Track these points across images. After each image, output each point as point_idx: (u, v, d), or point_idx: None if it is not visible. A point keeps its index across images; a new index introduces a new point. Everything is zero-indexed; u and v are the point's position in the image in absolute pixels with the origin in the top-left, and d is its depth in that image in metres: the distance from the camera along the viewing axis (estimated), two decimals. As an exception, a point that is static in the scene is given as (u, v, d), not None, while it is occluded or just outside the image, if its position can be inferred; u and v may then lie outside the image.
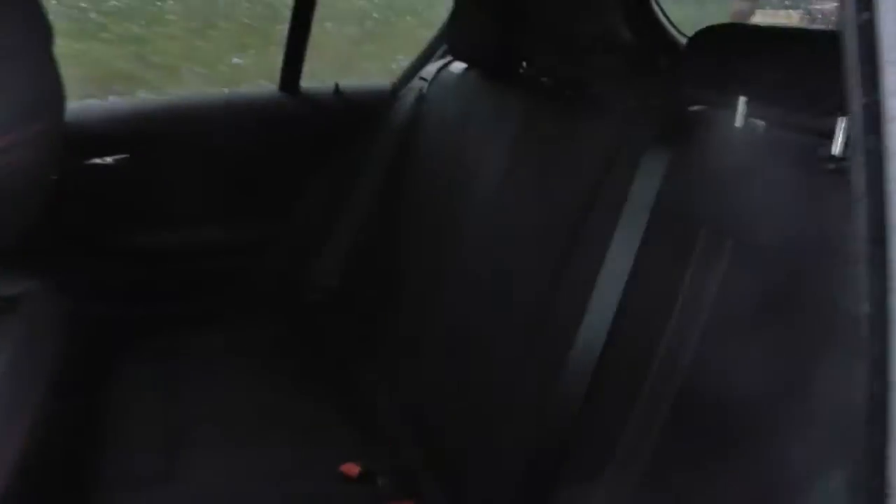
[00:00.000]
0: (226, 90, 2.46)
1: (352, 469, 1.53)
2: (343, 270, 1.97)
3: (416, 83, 2.05)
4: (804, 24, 3.44)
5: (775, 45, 0.98)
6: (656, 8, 1.84)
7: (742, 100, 1.05)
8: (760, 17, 3.55)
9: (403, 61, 2.33)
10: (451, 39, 1.92)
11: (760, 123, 1.07)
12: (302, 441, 1.62)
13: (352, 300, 1.98)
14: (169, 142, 2.02)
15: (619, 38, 1.78)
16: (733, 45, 1.04)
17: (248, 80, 4.41)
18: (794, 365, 0.87)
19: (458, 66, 1.93)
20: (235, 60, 4.51)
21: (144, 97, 2.28)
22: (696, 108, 1.22)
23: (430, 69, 2.04)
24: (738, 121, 1.06)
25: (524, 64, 1.70)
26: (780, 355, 0.88)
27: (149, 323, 1.96)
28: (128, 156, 1.95)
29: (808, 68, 0.91)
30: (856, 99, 0.57)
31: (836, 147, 0.91)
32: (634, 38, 1.85)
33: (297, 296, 2.01)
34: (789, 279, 0.90)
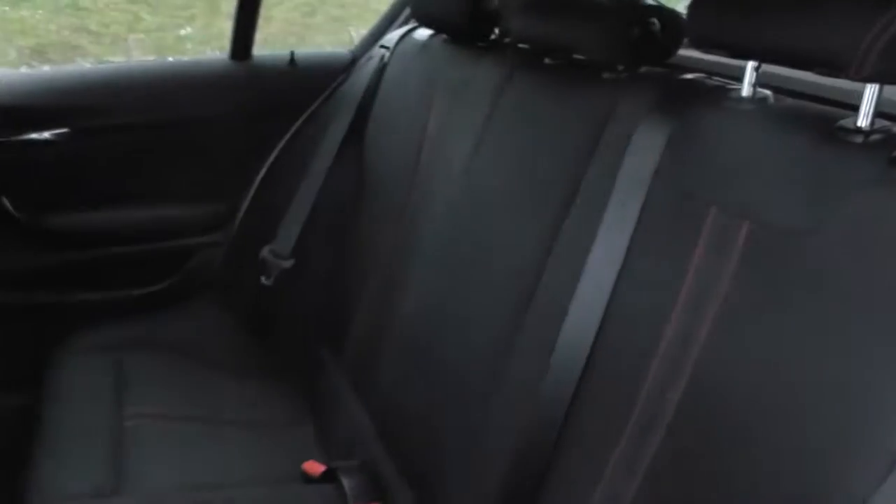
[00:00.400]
0: (171, 58, 2.30)
1: (315, 468, 1.45)
2: (300, 251, 1.85)
3: (377, 51, 1.93)
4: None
5: (791, 3, 0.87)
6: None
7: (750, 65, 0.96)
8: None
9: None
10: (414, 3, 1.80)
11: (769, 93, 0.98)
12: (261, 440, 1.53)
13: (309, 284, 1.87)
14: (112, 114, 1.87)
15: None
16: (743, 4, 0.93)
17: (196, 52, 4.26)
18: (816, 366, 0.77)
19: (423, 33, 1.81)
20: (183, 31, 4.36)
21: (85, 66, 2.13)
22: (696, 75, 1.12)
23: (392, 36, 1.92)
24: (746, 89, 0.97)
25: (496, 30, 1.59)
26: (801, 355, 0.79)
27: (89, 312, 1.84)
28: (67, 130, 1.81)
29: (830, 29, 0.80)
30: None
31: (864, 118, 0.82)
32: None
33: (252, 279, 1.89)
34: (814, 270, 0.80)
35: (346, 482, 1.39)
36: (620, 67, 1.20)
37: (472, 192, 1.39)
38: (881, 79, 0.79)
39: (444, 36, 1.71)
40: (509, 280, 1.22)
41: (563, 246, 1.13)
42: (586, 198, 1.12)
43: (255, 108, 2.00)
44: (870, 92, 0.82)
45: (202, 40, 4.30)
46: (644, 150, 1.03)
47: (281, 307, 1.89)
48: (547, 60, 1.37)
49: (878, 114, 0.83)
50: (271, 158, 2.01)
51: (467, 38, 1.62)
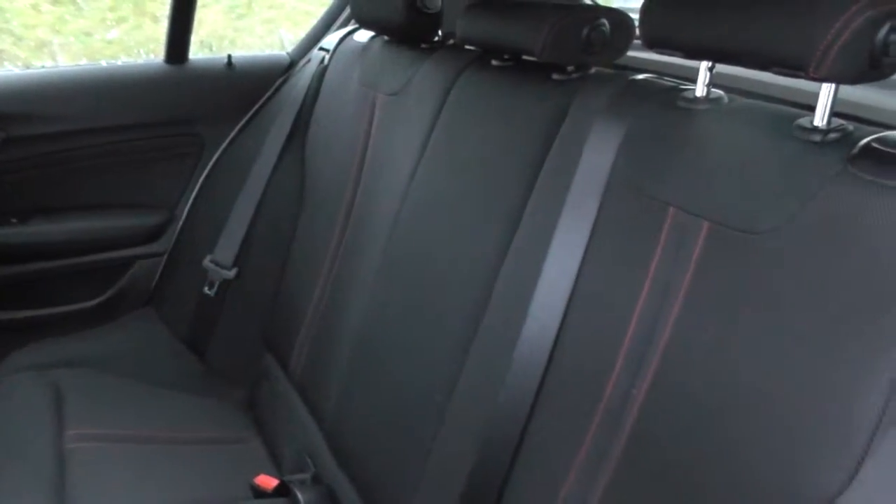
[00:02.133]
0: (105, 63, 2.23)
1: (267, 482, 1.41)
2: (242, 260, 1.81)
3: (316, 54, 1.89)
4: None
5: (746, 3, 0.87)
6: None
7: (704, 65, 0.96)
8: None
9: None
10: (354, 4, 1.77)
11: (722, 93, 0.98)
12: (209, 457, 1.49)
13: (253, 294, 1.83)
14: (44, 122, 1.80)
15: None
16: (697, 5, 0.93)
17: (126, 56, 4.16)
18: (780, 363, 0.78)
19: (363, 34, 1.78)
20: (111, 34, 4.25)
21: (15, 71, 2.05)
22: (650, 76, 1.12)
23: (332, 38, 1.89)
24: (700, 89, 0.97)
25: (439, 31, 1.58)
26: (765, 352, 0.79)
27: (25, 330, 1.78)
28: None
29: (788, 29, 0.81)
30: None
31: (821, 118, 0.83)
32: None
33: (193, 291, 1.85)
34: (775, 268, 0.80)
35: (300, 496, 1.36)
36: (570, 68, 1.19)
37: (420, 196, 1.37)
38: (838, 78, 0.80)
39: (386, 37, 1.68)
40: (463, 284, 1.20)
41: (519, 248, 1.12)
42: (541, 199, 1.11)
43: (192, 112, 1.95)
44: (827, 91, 0.82)
45: (131, 44, 4.20)
46: (599, 150, 1.03)
47: (224, 319, 1.84)
48: (494, 62, 1.36)
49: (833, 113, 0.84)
50: (210, 164, 1.96)
51: (409, 40, 1.60)
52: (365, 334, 1.42)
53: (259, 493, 1.41)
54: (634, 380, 0.92)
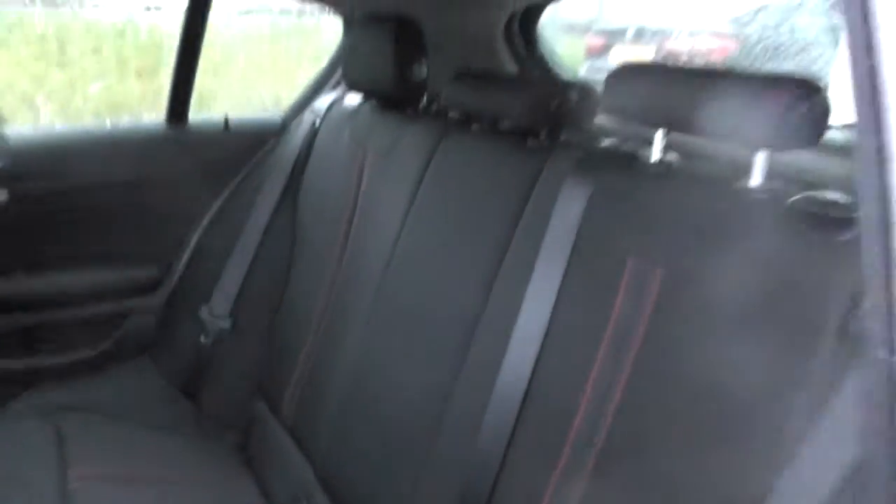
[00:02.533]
0: (108, 123, 2.32)
1: (261, 518, 1.48)
2: (237, 311, 1.90)
3: (308, 116, 1.99)
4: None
5: (693, 82, 1.01)
6: (543, 49, 1.89)
7: (659, 133, 1.09)
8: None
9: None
10: (345, 69, 1.89)
11: (675, 157, 1.11)
12: (207, 495, 1.55)
13: (246, 342, 1.91)
14: (50, 179, 1.88)
15: (523, 74, 1.81)
16: (651, 82, 1.07)
17: (107, 111, 4.22)
18: (733, 401, 0.88)
19: (353, 98, 1.90)
20: (92, 89, 4.32)
21: (21, 130, 2.12)
22: (612, 141, 1.25)
23: (323, 101, 2.00)
24: (655, 154, 1.10)
25: (425, 97, 1.70)
26: (713, 380, 0.90)
27: (27, 378, 1.83)
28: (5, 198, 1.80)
29: (727, 106, 0.95)
30: None
31: (756, 179, 0.96)
32: (523, 72, 1.88)
33: (188, 340, 1.92)
34: (721, 310, 0.92)
35: None
36: (543, 135, 1.32)
37: (406, 249, 1.47)
38: (770, 146, 0.94)
39: (374, 101, 1.79)
40: (446, 332, 1.30)
41: (497, 299, 1.23)
42: (517, 252, 1.22)
43: (190, 170, 2.03)
44: (760, 157, 0.96)
45: (112, 100, 4.24)
46: (568, 208, 1.15)
47: (218, 366, 1.91)
48: (475, 127, 1.48)
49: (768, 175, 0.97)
50: (206, 220, 2.05)
51: (397, 105, 1.71)
52: (354, 379, 1.50)
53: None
54: (598, 418, 1.02)
